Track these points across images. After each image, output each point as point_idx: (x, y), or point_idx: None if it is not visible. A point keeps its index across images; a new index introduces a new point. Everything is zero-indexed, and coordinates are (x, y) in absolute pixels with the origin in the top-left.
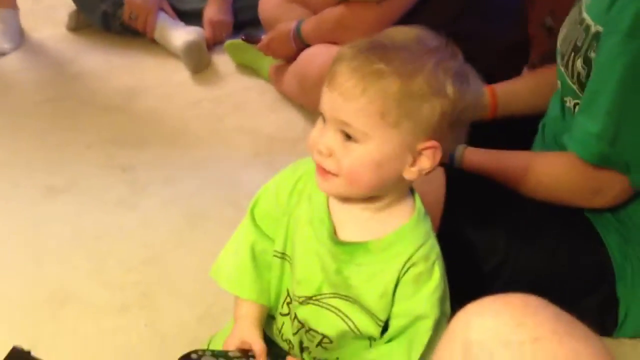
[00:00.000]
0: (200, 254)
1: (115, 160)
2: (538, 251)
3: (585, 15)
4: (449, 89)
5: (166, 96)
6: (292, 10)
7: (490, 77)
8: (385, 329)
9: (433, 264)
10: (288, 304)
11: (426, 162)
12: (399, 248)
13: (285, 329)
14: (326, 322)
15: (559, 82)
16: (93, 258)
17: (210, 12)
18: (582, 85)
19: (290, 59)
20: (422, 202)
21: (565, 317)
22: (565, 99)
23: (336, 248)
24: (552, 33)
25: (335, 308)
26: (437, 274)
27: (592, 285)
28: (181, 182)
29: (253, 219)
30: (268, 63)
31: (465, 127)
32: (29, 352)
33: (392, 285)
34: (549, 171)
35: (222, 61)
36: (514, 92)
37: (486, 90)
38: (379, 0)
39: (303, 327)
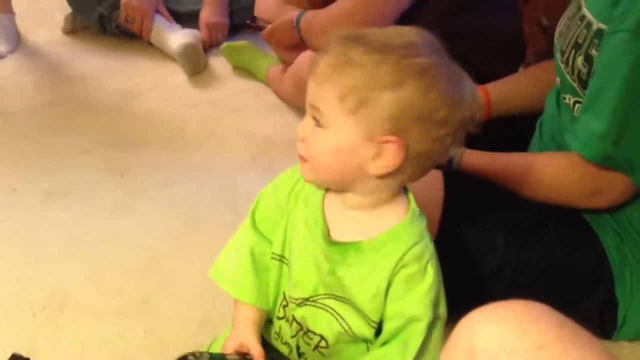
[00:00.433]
0: (198, 258)
1: (112, 164)
2: (537, 253)
3: (585, 11)
4: (411, 84)
5: (163, 99)
6: (288, 12)
7: (485, 75)
8: (379, 331)
9: (426, 265)
10: (284, 307)
11: (389, 158)
12: (391, 248)
13: (284, 332)
14: (322, 323)
15: (557, 79)
16: (91, 263)
17: (206, 14)
18: (582, 83)
19: (289, 58)
20: (419, 203)
21: (570, 324)
22: (564, 96)
23: (329, 248)
24: (548, 32)
25: (331, 308)
26: (430, 275)
27: (590, 288)
28: (179, 185)
29: (253, 221)
30: (265, 65)
31: (457, 132)
32: (28, 359)
33: (384, 286)
34: (550, 171)
35: (219, 63)
36: (508, 91)
37: (479, 90)
38: None
39: (302, 329)
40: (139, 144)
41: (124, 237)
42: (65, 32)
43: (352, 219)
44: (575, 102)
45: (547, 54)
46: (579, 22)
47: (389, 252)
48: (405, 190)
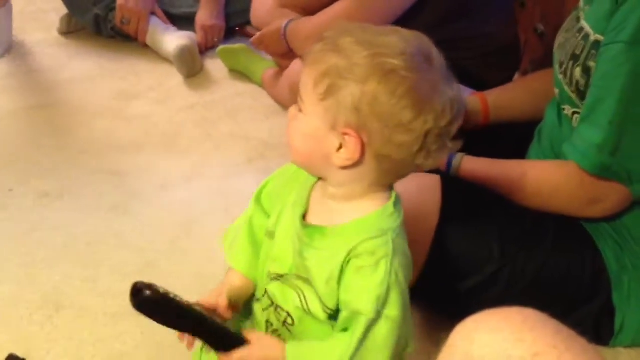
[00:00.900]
0: (194, 260)
1: (108, 166)
2: (534, 260)
3: (584, 23)
4: (376, 81)
5: (159, 101)
6: (285, 16)
7: (480, 82)
8: (336, 317)
9: (378, 261)
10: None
11: (350, 151)
12: (349, 237)
13: (257, 309)
14: (289, 300)
15: (556, 90)
16: (87, 265)
17: (203, 17)
18: (580, 94)
19: (283, 63)
20: (416, 209)
21: (565, 331)
22: (563, 106)
23: (302, 231)
24: (544, 39)
25: (299, 288)
26: (381, 272)
27: (588, 294)
28: (175, 188)
29: (259, 193)
30: (261, 68)
31: (426, 141)
32: None
33: (337, 273)
34: (548, 180)
35: (215, 66)
36: (505, 99)
37: (477, 97)
38: None
39: (272, 304)
40: (135, 146)
41: (120, 239)
42: (61, 33)
43: (327, 207)
44: (574, 113)
45: (544, 60)
46: (577, 34)
47: (347, 240)
48: (391, 190)
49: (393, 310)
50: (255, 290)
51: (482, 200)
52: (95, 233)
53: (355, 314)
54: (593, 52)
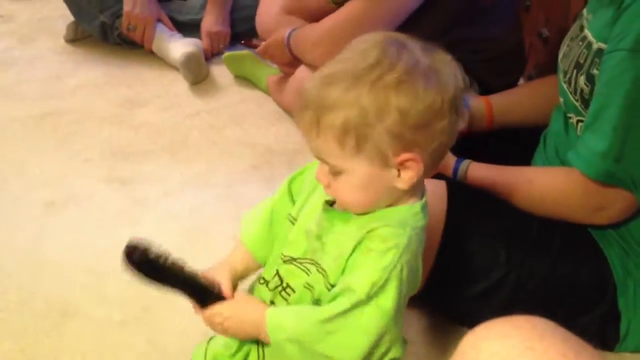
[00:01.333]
0: (201, 268)
1: (114, 174)
2: (540, 265)
3: (587, 32)
4: (395, 102)
5: (165, 108)
6: (290, 22)
7: (485, 86)
8: None
9: (388, 249)
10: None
11: (413, 171)
12: (369, 223)
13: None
14: (299, 279)
15: (561, 99)
16: (92, 273)
17: (208, 24)
18: (585, 102)
19: (289, 71)
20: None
21: (574, 339)
22: (568, 115)
23: (323, 214)
24: (548, 43)
25: (309, 271)
26: (386, 260)
27: (593, 300)
28: (180, 195)
29: (292, 180)
30: (266, 75)
31: (457, 106)
32: None
33: (348, 251)
34: (553, 187)
35: (221, 73)
36: (510, 103)
37: (481, 101)
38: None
39: (282, 283)
40: (141, 153)
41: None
42: (68, 40)
43: None
44: (579, 121)
45: (548, 65)
46: (580, 43)
47: (366, 225)
48: (422, 194)
49: (386, 301)
50: (261, 272)
51: (488, 206)
52: (101, 241)
53: (347, 289)
54: (596, 60)
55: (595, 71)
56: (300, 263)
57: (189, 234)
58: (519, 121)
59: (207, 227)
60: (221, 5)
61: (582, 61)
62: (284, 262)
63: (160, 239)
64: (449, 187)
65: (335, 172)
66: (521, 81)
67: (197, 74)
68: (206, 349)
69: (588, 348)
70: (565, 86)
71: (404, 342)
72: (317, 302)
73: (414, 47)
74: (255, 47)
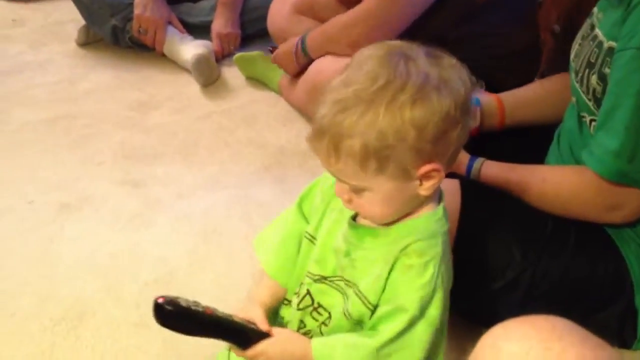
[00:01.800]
0: (214, 269)
1: (127, 176)
2: (555, 263)
3: (597, 31)
4: (411, 120)
5: (176, 110)
6: (300, 23)
7: (496, 84)
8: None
9: (427, 262)
10: (301, 284)
11: (435, 178)
12: (400, 237)
13: (292, 305)
14: (333, 300)
15: (573, 98)
16: (108, 275)
17: (218, 25)
18: (597, 102)
19: (299, 72)
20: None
21: (592, 339)
22: (581, 114)
23: (350, 231)
24: (559, 40)
25: (342, 288)
26: (428, 273)
27: (610, 297)
28: (193, 197)
29: (300, 200)
30: (277, 75)
31: (467, 106)
32: None
33: (386, 271)
34: (566, 186)
35: (232, 74)
36: (522, 101)
37: (492, 98)
38: None
39: (312, 304)
40: (153, 155)
41: (140, 249)
42: (79, 44)
43: None
44: (591, 120)
45: (559, 63)
46: (591, 42)
47: (398, 240)
48: (440, 196)
49: (434, 311)
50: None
51: (503, 204)
52: (116, 243)
53: (398, 309)
54: (608, 59)
55: (607, 70)
56: (332, 281)
57: (202, 235)
58: (531, 119)
59: (220, 228)
60: (231, 7)
61: (593, 60)
62: (315, 281)
63: (174, 240)
64: (463, 185)
65: (357, 190)
66: (536, 80)
67: (208, 75)
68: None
69: (606, 348)
70: (577, 85)
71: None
72: (358, 323)
73: (419, 56)
74: None
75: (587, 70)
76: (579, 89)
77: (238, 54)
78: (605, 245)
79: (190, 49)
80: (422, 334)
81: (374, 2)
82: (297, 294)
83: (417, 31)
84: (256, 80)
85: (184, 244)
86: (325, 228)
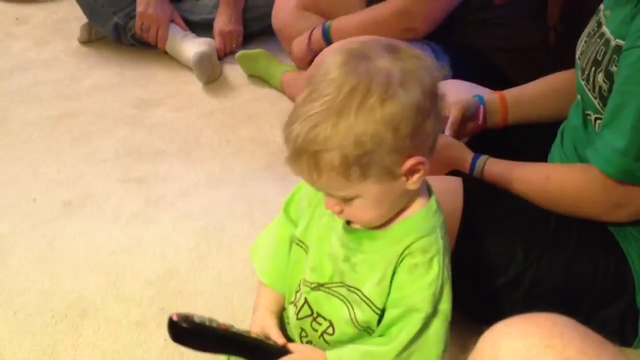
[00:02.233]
0: (216, 267)
1: (129, 174)
2: (557, 261)
3: (605, 28)
4: (384, 121)
5: (179, 108)
6: (305, 19)
7: (503, 78)
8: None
9: (432, 258)
10: (297, 292)
11: (419, 173)
12: (400, 237)
13: (290, 316)
14: (333, 308)
15: (578, 96)
16: (110, 273)
17: (221, 23)
18: (603, 100)
19: (306, 68)
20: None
21: (594, 337)
22: (586, 112)
23: (346, 236)
24: (562, 39)
25: (342, 296)
26: (435, 269)
27: (612, 296)
28: (195, 194)
29: (287, 205)
30: (280, 73)
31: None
32: None
33: (389, 272)
34: (570, 185)
35: (234, 72)
36: (525, 97)
37: (495, 95)
38: None
39: (312, 313)
40: (156, 153)
41: (142, 246)
42: (81, 42)
43: None
44: (596, 118)
45: (563, 58)
46: (598, 40)
47: (398, 240)
48: (428, 188)
49: (445, 304)
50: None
51: (505, 202)
52: (118, 241)
53: (410, 311)
54: (615, 57)
55: (614, 68)
56: (330, 288)
57: (204, 233)
58: (535, 116)
59: (222, 225)
60: (233, 4)
61: (600, 58)
62: (312, 289)
63: (176, 237)
64: (465, 183)
65: (347, 200)
66: None
67: (210, 73)
68: None
69: (608, 345)
70: (583, 83)
71: None
72: (366, 330)
73: (378, 53)
74: None
75: (593, 68)
76: (585, 87)
77: (240, 52)
78: (608, 243)
79: (192, 46)
80: (438, 329)
81: None
82: (294, 303)
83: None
84: (258, 78)
85: (186, 242)
86: (315, 234)
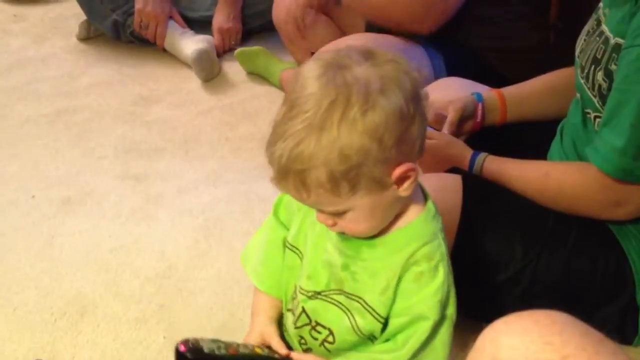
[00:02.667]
0: (216, 264)
1: (128, 171)
2: (557, 259)
3: (604, 27)
4: (367, 132)
5: (177, 105)
6: (306, 14)
7: (500, 78)
8: (385, 328)
9: (437, 265)
10: (293, 298)
11: (409, 180)
12: (403, 244)
13: (289, 324)
14: (332, 317)
15: (578, 95)
16: (109, 270)
17: (220, 20)
18: (603, 98)
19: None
20: (438, 209)
21: (593, 334)
22: (586, 110)
23: (343, 244)
24: (563, 35)
25: (341, 304)
26: (440, 275)
27: (612, 293)
28: (194, 192)
29: (276, 208)
30: (279, 70)
31: (419, 94)
32: None
33: (394, 282)
34: (569, 183)
35: (233, 69)
36: (524, 95)
37: (493, 93)
38: None
39: (310, 322)
40: (155, 150)
41: (141, 243)
42: (80, 39)
43: None
44: (596, 116)
45: (562, 56)
46: (597, 38)
47: (401, 248)
48: (423, 191)
49: (451, 309)
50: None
51: (504, 199)
52: (117, 238)
53: (417, 319)
54: (614, 55)
55: (613, 66)
56: (327, 296)
57: (203, 230)
58: (533, 114)
59: (221, 223)
60: (232, 1)
61: (599, 56)
62: (309, 297)
63: (175, 235)
64: (464, 180)
65: (339, 214)
66: None
67: (209, 70)
68: None
69: (607, 342)
70: (582, 82)
71: None
72: (371, 338)
73: (354, 61)
74: None
75: (592, 67)
76: (584, 85)
77: (239, 49)
78: (607, 241)
79: (191, 43)
80: (445, 334)
81: None
82: (291, 311)
83: None
84: (257, 75)
85: (185, 239)
86: (310, 241)
